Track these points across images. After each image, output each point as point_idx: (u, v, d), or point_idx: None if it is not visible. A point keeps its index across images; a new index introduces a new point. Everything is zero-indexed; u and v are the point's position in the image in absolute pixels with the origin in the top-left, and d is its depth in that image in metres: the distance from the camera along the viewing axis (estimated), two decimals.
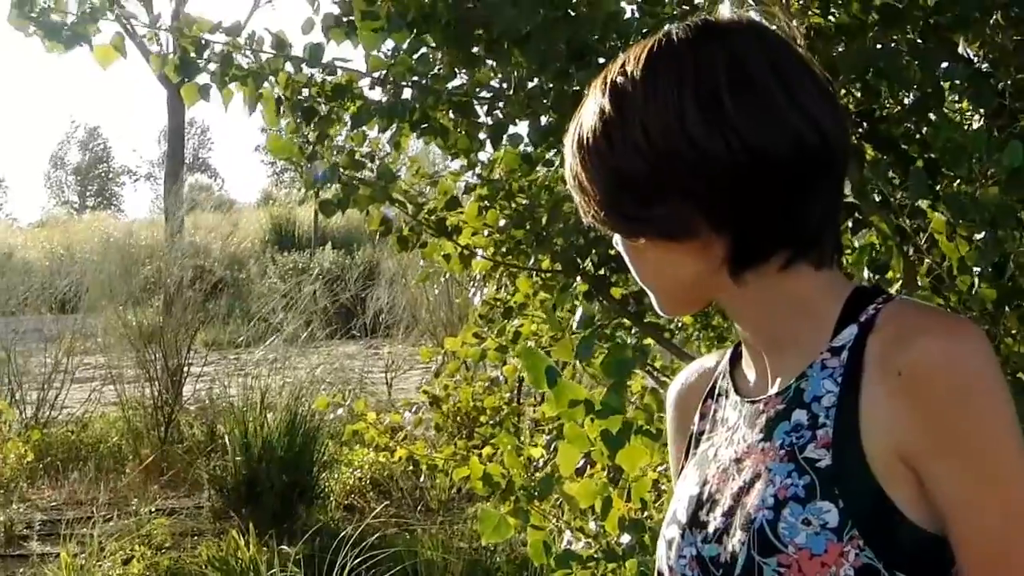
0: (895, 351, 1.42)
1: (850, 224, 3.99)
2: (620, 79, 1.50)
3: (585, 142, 1.52)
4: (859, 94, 3.72)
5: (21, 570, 7.94)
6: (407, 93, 4.08)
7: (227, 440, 9.18)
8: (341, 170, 4.27)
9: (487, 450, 4.87)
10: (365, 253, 24.84)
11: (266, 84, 4.25)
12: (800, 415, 1.48)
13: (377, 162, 4.56)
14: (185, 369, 11.84)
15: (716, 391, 1.69)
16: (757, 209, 1.44)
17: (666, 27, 1.52)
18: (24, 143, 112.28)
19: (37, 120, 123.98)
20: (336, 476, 9.32)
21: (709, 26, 1.52)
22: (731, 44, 1.48)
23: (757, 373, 1.60)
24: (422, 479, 8.28)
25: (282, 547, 6.77)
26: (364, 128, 4.34)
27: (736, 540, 1.47)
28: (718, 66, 1.45)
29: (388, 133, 4.38)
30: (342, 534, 6.47)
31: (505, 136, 4.13)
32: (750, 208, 1.44)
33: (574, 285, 4.48)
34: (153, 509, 9.04)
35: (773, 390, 1.55)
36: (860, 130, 3.88)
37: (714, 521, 1.52)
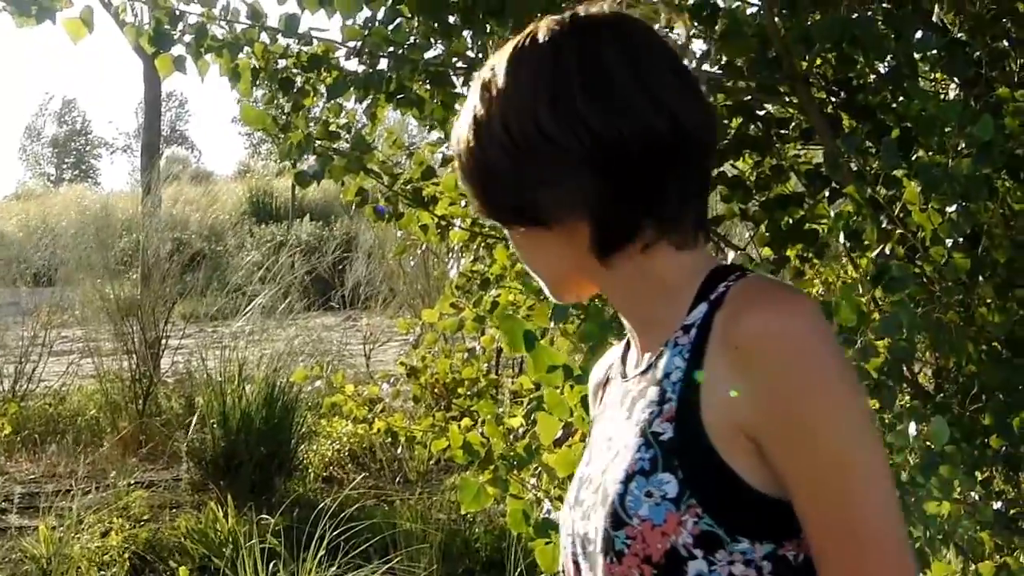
0: (731, 326, 1.47)
1: (827, 193, 4.01)
2: (487, 78, 1.60)
3: (460, 140, 1.62)
4: (835, 63, 3.73)
5: None
6: (383, 64, 4.08)
7: (205, 412, 9.17)
8: (316, 141, 4.26)
9: (465, 421, 4.86)
10: (343, 225, 24.79)
11: (242, 55, 4.24)
12: (653, 392, 1.54)
13: (352, 133, 4.56)
14: (163, 342, 11.82)
15: (608, 376, 1.77)
16: (613, 196, 1.52)
17: (533, 25, 1.60)
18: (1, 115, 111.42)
19: (11, 92, 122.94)
20: (314, 448, 9.33)
21: (573, 22, 1.59)
22: (589, 42, 1.56)
23: (637, 353, 1.66)
24: (400, 451, 8.29)
25: (262, 517, 6.77)
26: (340, 99, 4.33)
27: (598, 515, 1.54)
28: (573, 64, 1.53)
29: (364, 104, 4.37)
30: (320, 505, 6.47)
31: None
32: (606, 195, 1.52)
33: None
34: (131, 482, 9.04)
35: (639, 369, 1.62)
36: (835, 99, 3.89)
37: (587, 499, 1.59)
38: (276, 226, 26.31)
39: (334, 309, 14.91)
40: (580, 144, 1.51)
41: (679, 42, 1.74)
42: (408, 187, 4.68)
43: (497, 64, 1.60)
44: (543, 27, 1.59)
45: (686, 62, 1.67)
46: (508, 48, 1.61)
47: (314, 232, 23.79)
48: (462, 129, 1.61)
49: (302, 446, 9.05)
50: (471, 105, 1.61)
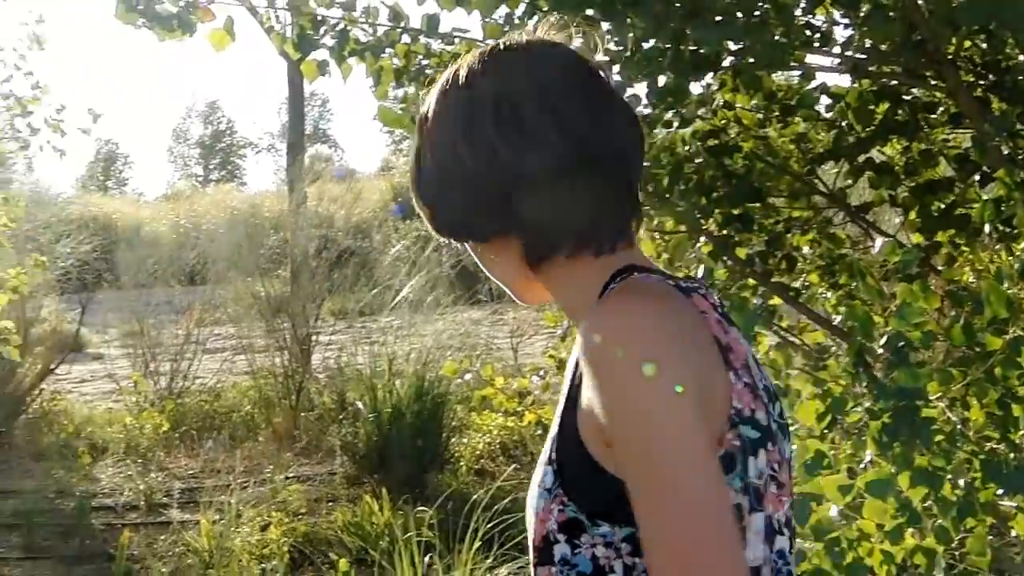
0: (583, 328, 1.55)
1: (977, 177, 3.93)
2: (422, 112, 1.79)
3: (408, 169, 1.83)
4: (983, 44, 3.66)
5: (163, 537, 8.14)
6: None
7: (357, 407, 9.31)
8: None
9: None
10: None
11: (383, 55, 4.31)
12: (565, 386, 1.65)
13: None
14: (313, 338, 12.02)
15: None
16: (531, 216, 1.67)
17: (460, 59, 1.78)
18: (147, 118, 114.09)
19: (159, 95, 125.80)
20: (465, 441, 9.40)
21: (491, 55, 1.75)
22: (503, 74, 1.71)
23: None
24: None
25: (417, 510, 6.86)
26: None
27: None
28: (487, 98, 1.68)
29: None
30: (473, 498, 6.52)
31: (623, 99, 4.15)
32: (524, 216, 1.67)
33: (697, 245, 4.47)
34: (287, 476, 9.22)
35: None
36: (984, 82, 3.81)
37: None
38: (420, 222, 26.51)
39: (481, 303, 14.99)
40: (495, 172, 1.66)
41: (600, 57, 1.86)
42: None
43: (429, 99, 1.77)
44: (465, 61, 1.75)
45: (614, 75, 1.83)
46: (439, 83, 1.76)
47: None
48: (409, 160, 1.80)
49: (453, 439, 9.12)
50: (414, 138, 1.80)
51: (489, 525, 6.04)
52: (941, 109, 4.15)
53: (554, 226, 1.67)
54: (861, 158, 4.39)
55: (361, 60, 4.17)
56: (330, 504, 8.55)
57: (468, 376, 7.08)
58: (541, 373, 6.15)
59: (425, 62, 4.35)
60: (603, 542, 1.51)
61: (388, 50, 4.21)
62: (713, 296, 1.69)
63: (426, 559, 5.69)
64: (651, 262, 1.76)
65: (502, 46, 1.77)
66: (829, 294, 4.67)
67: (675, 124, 4.41)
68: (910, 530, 3.07)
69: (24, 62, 5.51)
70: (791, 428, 2.48)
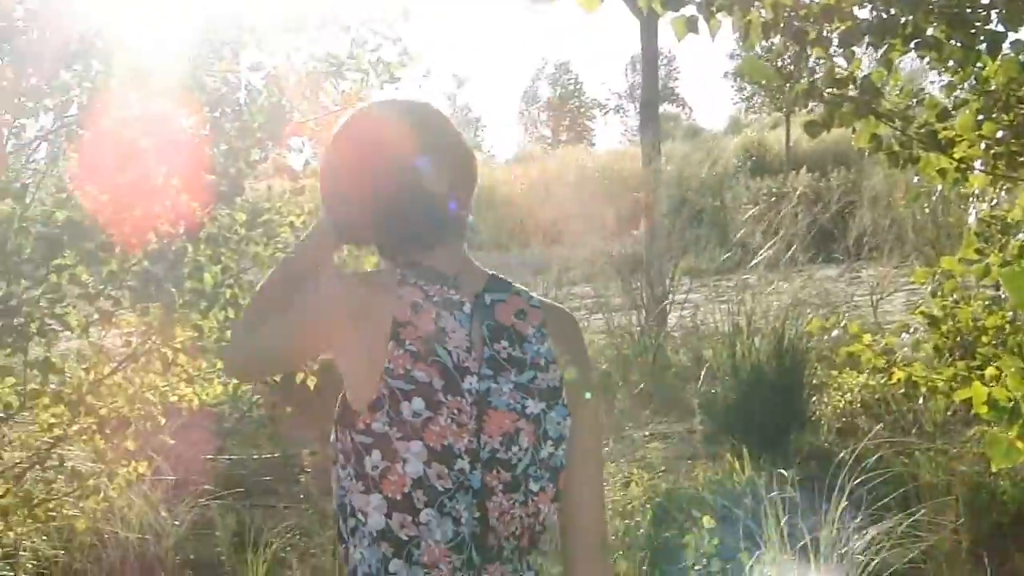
0: None
1: None
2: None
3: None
4: None
5: None
6: (896, 9, 4.00)
7: (714, 365, 9.31)
8: (824, 89, 4.23)
9: (990, 371, 4.68)
10: (841, 175, 24.35)
11: (751, 10, 4.26)
12: None
13: (860, 79, 4.47)
14: (668, 297, 12.08)
15: None
16: (353, 240, 2.62)
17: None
18: (497, 82, 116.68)
19: (509, 59, 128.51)
20: (825, 399, 9.24)
21: (351, 115, 2.43)
22: (341, 136, 2.40)
23: None
24: (920, 401, 8.10)
25: (779, 470, 6.80)
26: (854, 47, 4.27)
27: None
28: (333, 155, 2.42)
29: (866, 52, 4.31)
30: (838, 457, 6.41)
31: (1006, 44, 4.00)
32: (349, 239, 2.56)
33: None
34: (646, 434, 9.31)
35: None
36: None
37: None
38: (771, 179, 26.21)
39: (837, 260, 14.71)
40: (327, 216, 2.44)
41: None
42: (923, 131, 4.55)
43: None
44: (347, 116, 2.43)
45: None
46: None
47: (811, 184, 23.49)
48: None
49: (814, 398, 8.98)
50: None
51: (855, 483, 5.92)
52: None
53: (375, 244, 2.48)
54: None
55: (728, 14, 4.14)
56: (689, 462, 8.59)
57: (835, 332, 6.92)
58: (910, 330, 5.98)
59: (793, 15, 4.28)
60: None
61: (756, 3, 4.16)
62: (449, 293, 2.22)
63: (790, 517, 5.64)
64: (434, 271, 2.25)
65: (364, 105, 2.56)
66: None
67: None
68: None
69: (392, 31, 5.70)
70: None
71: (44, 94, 4.94)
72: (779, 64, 4.21)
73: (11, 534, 5.94)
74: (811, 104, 4.37)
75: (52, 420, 5.86)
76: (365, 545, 2.15)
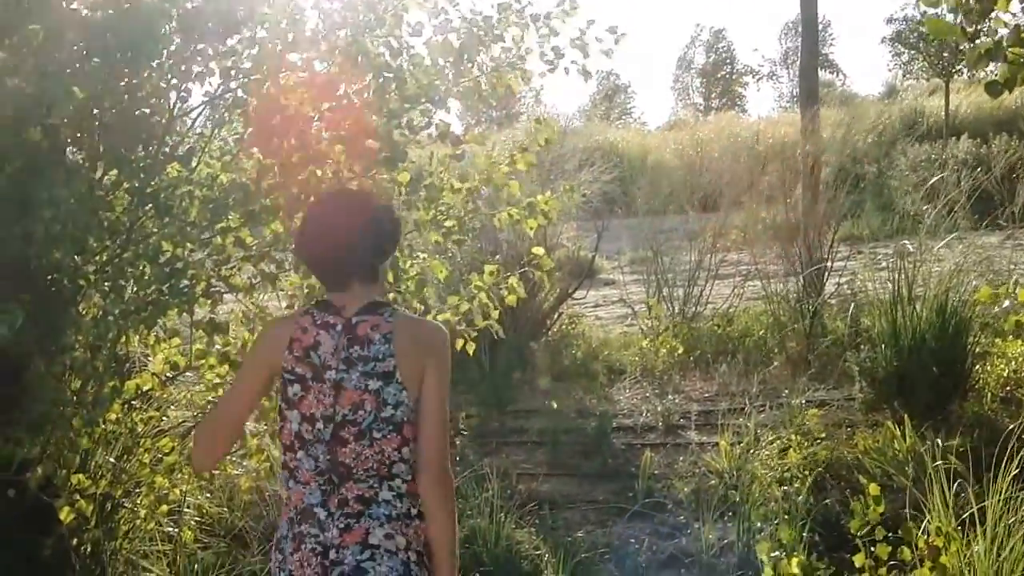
0: None
1: None
2: None
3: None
4: None
5: (681, 458, 8.34)
6: None
7: (874, 332, 9.13)
8: (1007, 49, 4.09)
9: None
10: (1002, 141, 23.68)
11: None
12: None
13: None
14: (827, 263, 11.88)
15: None
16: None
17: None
18: (649, 49, 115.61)
19: (665, 25, 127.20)
20: (989, 368, 9.00)
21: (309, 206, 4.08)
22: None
23: None
24: None
25: (941, 438, 6.66)
26: None
27: None
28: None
29: None
30: (1001, 426, 6.25)
31: None
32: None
33: None
34: (804, 400, 9.19)
35: None
36: None
37: None
38: (930, 145, 25.61)
39: (1001, 227, 14.28)
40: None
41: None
42: None
43: None
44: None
45: None
46: None
47: (970, 150, 22.86)
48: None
49: (976, 366, 8.75)
50: None
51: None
52: None
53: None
54: None
55: None
56: (848, 429, 8.45)
57: (1007, 303, 6.69)
58: None
59: None
60: None
61: None
62: (327, 316, 3.53)
63: (955, 487, 5.50)
64: (329, 303, 3.57)
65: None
66: None
67: None
68: None
69: None
70: None
71: (210, 59, 5.03)
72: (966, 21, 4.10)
73: (176, 491, 6.09)
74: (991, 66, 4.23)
75: (217, 380, 5.99)
76: (280, 469, 3.63)
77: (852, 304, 10.96)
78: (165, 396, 6.04)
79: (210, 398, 6.09)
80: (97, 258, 5.07)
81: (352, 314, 3.49)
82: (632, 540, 6.42)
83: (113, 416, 5.55)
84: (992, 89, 4.23)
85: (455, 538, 3.48)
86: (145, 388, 5.74)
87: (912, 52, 38.29)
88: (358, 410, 3.39)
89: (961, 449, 6.35)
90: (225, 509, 6.86)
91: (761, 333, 11.58)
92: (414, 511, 3.43)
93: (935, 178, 13.06)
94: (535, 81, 5.80)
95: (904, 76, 45.76)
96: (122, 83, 4.81)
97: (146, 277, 5.07)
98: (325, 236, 3.53)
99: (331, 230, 3.53)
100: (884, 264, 10.90)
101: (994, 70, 4.30)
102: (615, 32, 5.70)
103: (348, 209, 3.62)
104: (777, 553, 5.48)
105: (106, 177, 5.05)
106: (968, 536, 5.15)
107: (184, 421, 6.29)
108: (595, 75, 6.57)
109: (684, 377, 11.14)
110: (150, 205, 5.01)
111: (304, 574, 3.39)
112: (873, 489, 5.28)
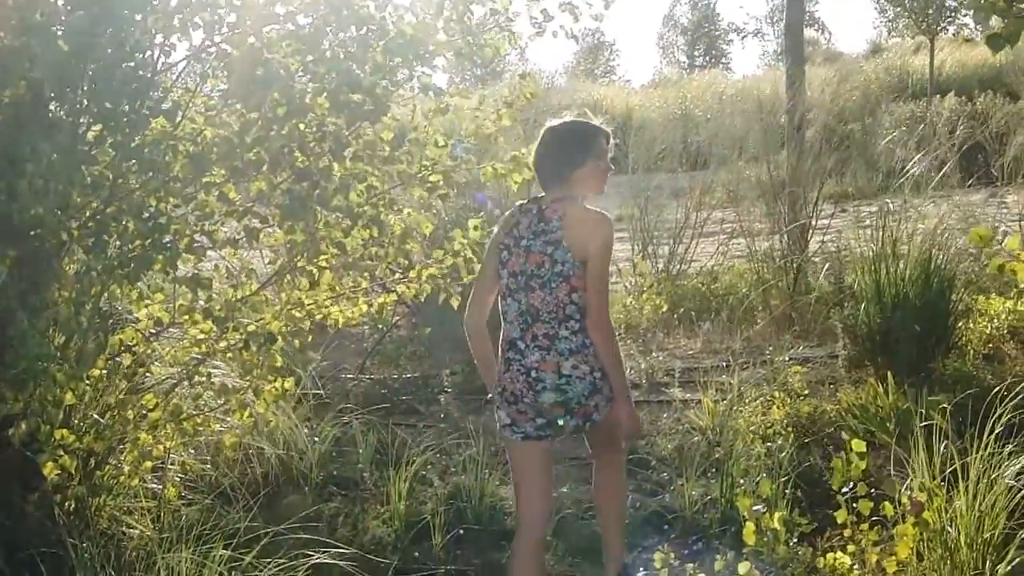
0: None
1: None
2: None
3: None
4: None
5: (665, 415, 8.35)
6: None
7: (857, 290, 9.14)
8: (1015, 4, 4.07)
9: None
10: (986, 100, 23.71)
11: None
12: None
13: None
14: (811, 221, 11.89)
15: None
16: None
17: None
18: (633, 7, 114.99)
19: None
20: (972, 325, 9.03)
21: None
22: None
23: None
24: None
25: (924, 395, 6.67)
26: None
27: None
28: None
29: None
30: (985, 382, 6.25)
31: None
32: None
33: None
34: (787, 358, 9.21)
35: None
36: None
37: None
38: (914, 104, 25.63)
39: (983, 185, 14.29)
40: None
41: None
42: None
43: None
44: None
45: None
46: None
47: (956, 108, 22.85)
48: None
49: (960, 323, 8.78)
50: None
51: (1001, 412, 5.75)
52: None
53: None
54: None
55: None
56: (831, 387, 8.48)
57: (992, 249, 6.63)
58: None
59: None
60: None
61: None
62: (529, 206, 4.94)
63: (939, 444, 5.52)
64: (537, 198, 4.96)
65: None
66: None
67: None
68: None
69: None
70: None
71: (195, 12, 4.99)
72: None
73: (160, 448, 6.09)
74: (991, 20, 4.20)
75: (200, 336, 5.98)
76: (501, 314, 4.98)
77: (836, 262, 10.98)
78: (148, 352, 6.02)
79: (194, 353, 6.09)
80: (80, 213, 5.05)
81: (545, 204, 4.88)
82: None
83: (96, 372, 5.54)
84: (993, 42, 4.21)
85: (619, 361, 4.83)
86: (129, 344, 5.73)
87: (897, 9, 38.17)
88: (540, 267, 4.79)
89: (944, 406, 6.36)
90: (209, 466, 6.86)
91: (745, 291, 11.59)
92: (588, 342, 4.75)
93: (919, 135, 13.03)
94: (522, 42, 5.80)
95: (889, 34, 45.69)
96: (105, 37, 4.77)
97: (129, 232, 5.05)
98: (536, 154, 4.99)
99: (538, 149, 4.98)
100: (868, 222, 10.89)
101: (994, 25, 4.28)
102: None
103: (551, 133, 4.96)
104: (759, 508, 5.51)
105: (90, 132, 5.02)
106: (951, 492, 5.18)
107: (168, 378, 6.28)
108: (580, 34, 6.58)
109: (668, 334, 11.15)
110: (134, 160, 4.98)
111: (515, 387, 4.81)
112: (857, 445, 5.30)
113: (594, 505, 5.73)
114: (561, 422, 4.78)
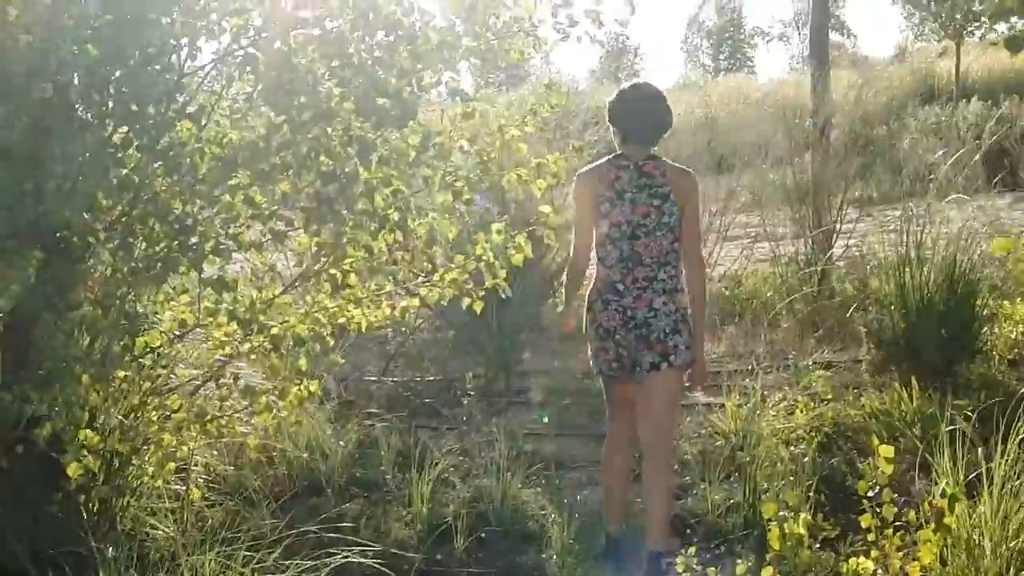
0: None
1: None
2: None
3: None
4: None
5: (688, 419, 8.33)
6: None
7: (881, 295, 9.11)
8: None
9: None
10: (1013, 104, 23.56)
11: None
12: None
13: None
14: (836, 226, 11.84)
15: None
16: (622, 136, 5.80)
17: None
18: (658, 11, 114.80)
19: None
20: (997, 330, 8.98)
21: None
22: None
23: None
24: None
25: (949, 400, 6.64)
26: None
27: None
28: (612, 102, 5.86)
29: None
30: (1010, 388, 6.22)
31: None
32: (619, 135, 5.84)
33: None
34: (811, 362, 9.18)
35: None
36: None
37: None
38: (940, 108, 25.50)
39: (1008, 190, 14.23)
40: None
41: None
42: None
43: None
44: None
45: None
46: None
47: (981, 113, 22.72)
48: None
49: (984, 328, 8.73)
50: None
51: None
52: None
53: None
54: None
55: None
56: (855, 391, 8.44)
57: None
58: None
59: None
60: None
61: None
62: (623, 162, 5.62)
63: (963, 449, 5.49)
64: (624, 155, 5.66)
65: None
66: None
67: None
68: None
69: None
70: None
71: (222, 16, 5.01)
72: None
73: (184, 449, 6.11)
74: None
75: (225, 338, 6.00)
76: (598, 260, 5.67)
77: (861, 266, 10.94)
78: (173, 354, 6.04)
79: (218, 356, 6.11)
80: (107, 215, 5.07)
81: (642, 161, 5.57)
82: (637, 500, 6.41)
83: (122, 373, 5.56)
84: (1013, 44, 4.20)
85: (704, 294, 5.62)
86: (154, 346, 5.75)
87: (923, 14, 37.98)
88: (646, 218, 5.47)
89: (969, 411, 6.34)
90: (233, 468, 6.88)
91: (769, 295, 11.55)
92: (681, 286, 5.54)
93: (944, 140, 12.96)
94: (547, 46, 5.82)
95: (915, 38, 45.46)
96: (132, 40, 4.80)
97: (155, 234, 5.07)
98: (631, 115, 5.63)
99: (632, 107, 5.63)
100: (893, 226, 10.84)
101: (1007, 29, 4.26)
102: (631, 3, 5.69)
103: (647, 95, 5.67)
104: (783, 513, 5.50)
105: (116, 134, 5.05)
106: (976, 498, 5.16)
107: (193, 379, 6.31)
108: (605, 38, 6.68)
109: None
110: (160, 162, 5.00)
111: (611, 324, 5.55)
112: (885, 450, 5.29)
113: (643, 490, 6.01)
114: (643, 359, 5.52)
